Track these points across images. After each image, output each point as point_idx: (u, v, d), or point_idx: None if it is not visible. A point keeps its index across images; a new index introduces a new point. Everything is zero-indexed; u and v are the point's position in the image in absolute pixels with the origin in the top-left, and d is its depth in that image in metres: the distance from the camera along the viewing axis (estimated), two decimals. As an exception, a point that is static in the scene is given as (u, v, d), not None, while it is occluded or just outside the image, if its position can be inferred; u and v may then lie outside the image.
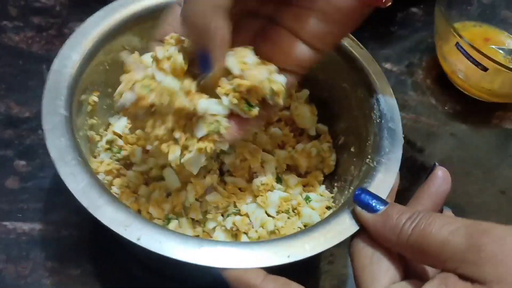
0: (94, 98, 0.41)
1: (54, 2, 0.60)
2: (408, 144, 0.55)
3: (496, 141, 0.56)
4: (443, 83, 0.60)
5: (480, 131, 0.57)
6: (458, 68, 0.56)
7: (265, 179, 0.40)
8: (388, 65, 0.61)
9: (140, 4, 0.42)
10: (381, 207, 0.31)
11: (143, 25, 0.42)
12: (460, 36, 0.51)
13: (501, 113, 0.59)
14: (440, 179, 0.33)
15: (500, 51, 0.60)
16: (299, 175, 0.45)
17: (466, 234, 0.26)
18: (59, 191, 0.45)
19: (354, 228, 0.32)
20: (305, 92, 0.48)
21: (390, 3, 0.33)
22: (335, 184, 0.45)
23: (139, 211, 0.38)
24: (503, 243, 0.25)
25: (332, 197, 0.44)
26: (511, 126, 0.58)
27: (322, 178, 0.45)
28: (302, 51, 0.33)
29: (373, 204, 0.31)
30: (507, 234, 0.26)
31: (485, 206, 0.51)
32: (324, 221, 0.33)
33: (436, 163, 0.34)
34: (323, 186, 0.45)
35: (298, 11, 0.32)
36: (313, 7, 0.31)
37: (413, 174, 0.52)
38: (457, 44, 0.52)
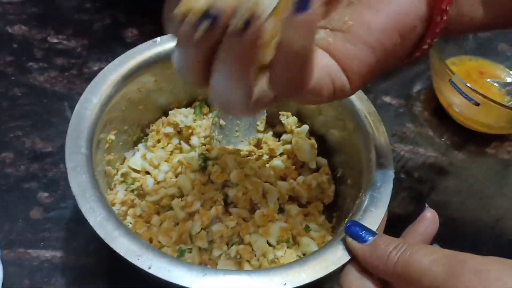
0: (111, 136, 0.45)
1: (75, 44, 0.64)
2: (406, 174, 0.57)
3: (492, 171, 0.59)
4: (440, 115, 0.63)
5: (476, 161, 0.59)
6: (454, 102, 0.59)
7: (266, 210, 0.43)
8: (387, 98, 0.64)
9: (153, 50, 0.46)
10: (370, 238, 0.34)
11: (157, 68, 0.46)
12: (453, 73, 0.54)
13: (497, 143, 0.61)
14: (429, 220, 0.37)
15: (495, 84, 0.63)
16: (300, 205, 0.48)
17: (445, 264, 0.29)
18: (79, 221, 0.48)
19: (347, 257, 0.35)
20: (305, 128, 0.51)
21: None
22: (334, 214, 0.48)
23: (150, 240, 0.42)
24: (479, 273, 0.28)
25: (331, 226, 0.47)
26: (507, 156, 0.60)
27: (322, 209, 0.48)
28: (332, 65, 0.30)
29: (363, 235, 0.34)
30: (481, 264, 0.29)
31: (480, 234, 0.53)
32: (320, 251, 0.36)
33: (427, 205, 0.38)
34: (323, 216, 0.48)
35: (325, 32, 0.31)
36: (342, 27, 0.30)
37: (410, 203, 0.54)
38: (450, 80, 0.55)
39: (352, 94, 0.32)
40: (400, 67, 0.34)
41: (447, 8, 0.30)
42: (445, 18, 0.30)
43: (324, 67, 0.29)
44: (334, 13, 0.31)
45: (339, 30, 0.30)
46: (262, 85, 0.27)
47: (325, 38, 0.30)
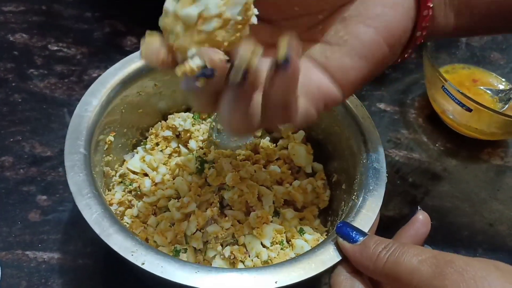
0: (110, 138, 0.46)
1: (75, 52, 0.66)
2: (401, 179, 0.58)
3: (485, 176, 0.59)
4: (434, 121, 0.64)
5: (469, 167, 0.60)
6: (447, 108, 0.60)
7: (261, 212, 0.44)
8: (382, 105, 0.65)
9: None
10: (360, 238, 0.35)
11: (156, 72, 0.47)
12: (445, 80, 0.56)
13: (490, 149, 0.62)
14: (420, 222, 0.37)
15: (488, 91, 0.64)
16: (296, 209, 0.48)
17: (433, 264, 0.30)
18: (76, 223, 0.49)
19: (337, 258, 0.35)
20: (301, 133, 0.52)
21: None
22: (329, 219, 0.48)
23: (146, 240, 0.42)
24: (465, 273, 0.29)
25: (326, 230, 0.47)
26: (500, 162, 0.61)
27: (317, 213, 0.49)
28: (325, 83, 0.33)
29: (353, 235, 0.35)
30: (466, 264, 0.29)
31: (473, 238, 0.53)
32: (311, 251, 0.36)
33: (419, 207, 0.38)
34: (318, 220, 0.49)
35: (323, 46, 0.34)
36: (338, 42, 0.33)
37: (405, 207, 0.55)
38: (443, 87, 0.57)
39: (344, 101, 0.35)
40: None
41: (427, 25, 0.34)
42: (424, 33, 0.34)
43: (315, 90, 0.33)
44: (330, 28, 0.34)
45: (336, 44, 0.33)
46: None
47: (323, 53, 0.34)
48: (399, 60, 0.36)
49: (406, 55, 0.36)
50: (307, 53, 0.35)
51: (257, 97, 0.30)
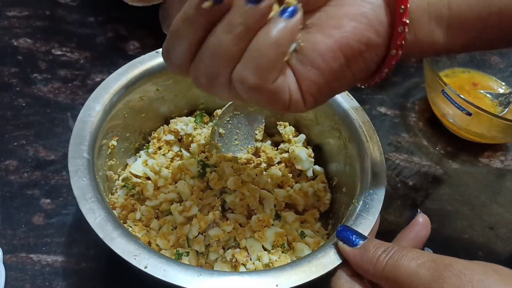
0: (113, 142, 0.46)
1: (78, 56, 0.66)
2: (401, 182, 0.58)
3: (485, 179, 0.60)
4: (434, 125, 0.64)
5: (469, 170, 0.61)
6: (447, 112, 0.60)
7: (262, 215, 0.44)
8: (382, 109, 0.66)
9: (155, 61, 0.48)
10: (360, 242, 0.35)
11: (159, 77, 0.48)
12: (445, 84, 0.56)
13: (490, 153, 0.63)
14: (420, 225, 0.38)
15: (488, 95, 0.64)
16: (297, 212, 0.49)
17: (432, 267, 0.30)
18: (79, 227, 0.49)
19: (338, 261, 0.36)
20: (302, 137, 0.52)
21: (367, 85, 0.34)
22: (330, 222, 0.49)
23: (149, 243, 0.43)
24: (463, 276, 0.29)
25: (327, 233, 0.48)
26: (500, 165, 0.62)
27: (318, 216, 0.49)
28: (293, 81, 0.32)
29: (353, 239, 0.35)
30: (465, 268, 0.30)
31: (473, 241, 0.54)
32: (312, 255, 0.37)
33: (419, 210, 0.39)
34: (319, 223, 0.49)
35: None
36: (298, 47, 0.31)
37: (405, 210, 0.55)
38: (443, 91, 0.57)
39: (306, 110, 0.33)
40: (361, 87, 0.36)
41: (402, 43, 0.31)
42: (399, 52, 0.32)
43: (286, 78, 0.31)
44: None
45: (295, 51, 0.31)
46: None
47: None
48: (377, 80, 0.34)
49: (383, 74, 0.33)
50: None
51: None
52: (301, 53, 0.31)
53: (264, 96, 0.31)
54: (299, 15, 0.28)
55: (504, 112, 0.61)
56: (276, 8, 0.28)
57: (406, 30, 0.31)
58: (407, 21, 0.31)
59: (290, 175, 0.51)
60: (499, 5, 0.31)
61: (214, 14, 0.28)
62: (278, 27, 0.28)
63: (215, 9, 0.28)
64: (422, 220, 0.38)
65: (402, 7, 0.30)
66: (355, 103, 0.48)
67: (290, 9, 0.28)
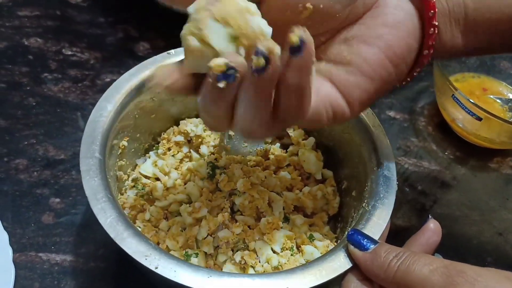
0: (124, 142, 0.46)
1: (88, 56, 0.67)
2: (410, 187, 0.58)
3: (494, 185, 0.59)
4: (443, 130, 0.64)
5: (479, 176, 0.60)
6: (456, 117, 0.60)
7: (272, 218, 0.44)
8: (391, 113, 0.66)
9: (167, 62, 0.48)
10: (371, 246, 0.35)
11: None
12: (455, 89, 0.56)
13: (500, 158, 0.62)
14: (431, 231, 0.38)
15: (498, 100, 0.64)
16: (306, 215, 0.49)
17: (444, 273, 0.30)
18: (89, 226, 0.50)
19: (348, 265, 0.36)
20: (311, 140, 0.52)
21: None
22: (339, 225, 0.49)
23: (158, 244, 0.43)
24: (476, 283, 0.29)
25: (335, 237, 0.48)
26: (509, 171, 0.61)
27: (326, 219, 0.49)
28: (334, 93, 0.33)
29: (364, 243, 0.35)
30: (478, 275, 0.30)
31: (482, 247, 0.53)
32: (322, 258, 0.37)
33: (430, 216, 0.39)
34: (328, 227, 0.49)
35: (328, 65, 0.34)
36: (342, 61, 0.33)
37: (414, 215, 0.55)
38: (453, 95, 0.57)
39: (352, 118, 0.35)
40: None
41: (433, 43, 0.34)
42: (431, 51, 0.35)
43: (325, 96, 0.33)
44: (333, 48, 0.34)
45: (340, 63, 0.34)
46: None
47: (327, 71, 0.34)
48: (408, 79, 0.36)
49: (415, 74, 0.36)
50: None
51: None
52: (349, 64, 0.33)
53: (305, 124, 0.33)
54: (308, 45, 0.28)
55: (514, 118, 0.61)
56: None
57: (436, 31, 0.34)
58: (436, 23, 0.34)
59: (299, 178, 0.51)
60: (509, 12, 0.34)
61: (230, 91, 0.29)
62: (292, 69, 0.28)
63: (230, 86, 0.28)
64: (433, 226, 0.38)
65: (431, 11, 0.33)
66: (365, 106, 0.48)
67: (297, 47, 0.28)
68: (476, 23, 0.34)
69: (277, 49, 0.27)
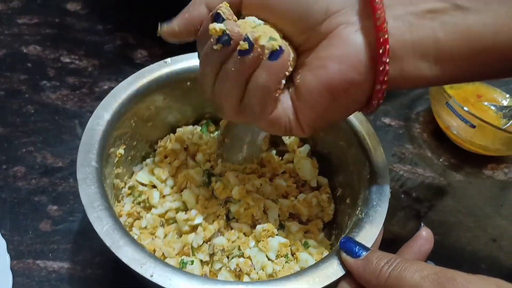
0: (121, 150, 0.47)
1: (86, 64, 0.67)
2: (405, 193, 0.59)
3: (489, 191, 0.60)
4: (438, 137, 0.65)
5: (473, 182, 0.61)
6: (451, 124, 0.60)
7: (267, 225, 0.44)
8: (387, 120, 0.66)
9: (163, 70, 0.49)
10: (363, 253, 0.35)
11: (166, 87, 0.49)
12: (449, 96, 0.56)
13: (494, 165, 0.63)
14: (423, 239, 0.38)
15: (492, 107, 0.65)
16: (301, 222, 0.49)
17: (434, 280, 0.31)
18: (86, 234, 0.50)
19: (341, 272, 0.36)
20: (307, 147, 0.53)
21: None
22: (333, 232, 0.49)
23: (154, 251, 0.43)
24: None
25: (330, 244, 0.48)
26: (504, 177, 0.62)
27: (322, 226, 0.50)
28: (292, 111, 0.37)
29: (356, 250, 0.36)
30: (468, 282, 0.30)
31: (477, 253, 0.54)
32: (315, 265, 0.37)
33: (422, 223, 0.40)
34: (323, 234, 0.49)
35: (292, 84, 0.36)
36: (294, 84, 0.36)
37: (409, 222, 0.56)
38: (447, 103, 0.57)
39: (306, 135, 0.38)
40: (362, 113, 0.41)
41: (386, 79, 0.33)
42: (384, 87, 0.34)
43: (286, 108, 0.36)
44: (296, 70, 0.36)
45: (293, 86, 0.36)
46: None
47: (287, 87, 0.37)
48: (369, 111, 0.36)
49: (373, 105, 0.35)
50: None
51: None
52: (297, 89, 0.35)
53: (264, 124, 0.37)
54: (285, 56, 0.34)
55: (508, 125, 0.62)
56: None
57: (387, 68, 0.33)
58: (387, 60, 0.32)
59: (295, 185, 0.51)
60: (486, 43, 0.32)
61: (222, 54, 0.34)
62: (265, 69, 0.34)
63: (224, 49, 0.34)
64: (425, 234, 0.39)
65: (382, 47, 0.32)
66: (360, 115, 0.48)
67: (275, 53, 0.33)
68: (451, 54, 0.33)
69: (262, 39, 0.33)
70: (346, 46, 0.33)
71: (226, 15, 0.34)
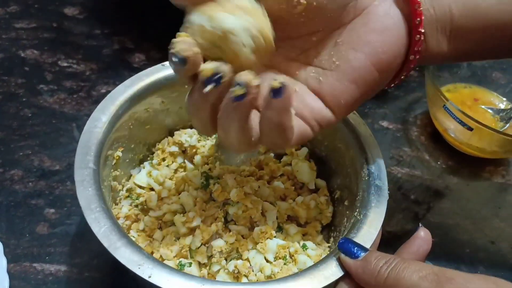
0: (118, 153, 0.47)
1: (84, 68, 0.67)
2: (403, 196, 0.59)
3: (487, 194, 0.60)
4: (436, 139, 0.65)
5: (471, 184, 0.61)
6: (448, 127, 0.60)
7: (265, 227, 0.44)
8: (384, 123, 0.67)
9: (161, 73, 0.48)
10: (362, 254, 0.35)
11: (164, 90, 0.49)
12: (447, 99, 0.57)
13: (492, 167, 0.63)
14: (421, 239, 0.38)
15: (489, 110, 0.65)
16: (299, 225, 0.49)
17: (433, 280, 0.31)
18: (83, 237, 0.50)
19: (340, 273, 0.36)
20: (304, 150, 0.53)
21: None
22: (332, 234, 0.49)
23: (152, 253, 0.43)
24: None
25: (328, 246, 0.48)
26: (501, 180, 0.62)
27: (320, 228, 0.49)
28: (318, 106, 0.36)
29: (355, 251, 0.36)
30: (467, 281, 0.30)
31: (474, 255, 0.54)
32: (314, 267, 0.37)
33: (420, 224, 0.40)
34: (321, 236, 0.49)
35: (317, 70, 0.36)
36: (331, 67, 0.36)
37: (407, 224, 0.56)
38: (444, 106, 0.58)
39: (338, 121, 0.38)
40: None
41: (419, 49, 0.36)
42: (417, 57, 0.36)
43: (310, 113, 0.35)
44: (324, 52, 0.36)
45: (328, 69, 0.36)
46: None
47: (317, 77, 0.36)
48: (396, 82, 0.38)
49: (402, 77, 0.38)
50: (303, 77, 0.37)
51: (255, 116, 0.33)
52: (337, 69, 0.35)
53: (294, 145, 0.38)
54: (288, 90, 0.31)
55: (505, 128, 0.62)
56: None
57: (422, 38, 0.35)
58: (423, 31, 0.35)
59: (293, 187, 0.51)
60: (495, 18, 0.35)
61: (214, 95, 0.31)
62: (273, 108, 0.31)
63: (215, 90, 0.31)
64: (423, 234, 0.39)
65: (418, 19, 0.35)
66: (357, 117, 0.48)
67: (278, 91, 0.30)
68: (463, 30, 0.36)
69: (254, 81, 0.30)
70: (386, 20, 0.35)
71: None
